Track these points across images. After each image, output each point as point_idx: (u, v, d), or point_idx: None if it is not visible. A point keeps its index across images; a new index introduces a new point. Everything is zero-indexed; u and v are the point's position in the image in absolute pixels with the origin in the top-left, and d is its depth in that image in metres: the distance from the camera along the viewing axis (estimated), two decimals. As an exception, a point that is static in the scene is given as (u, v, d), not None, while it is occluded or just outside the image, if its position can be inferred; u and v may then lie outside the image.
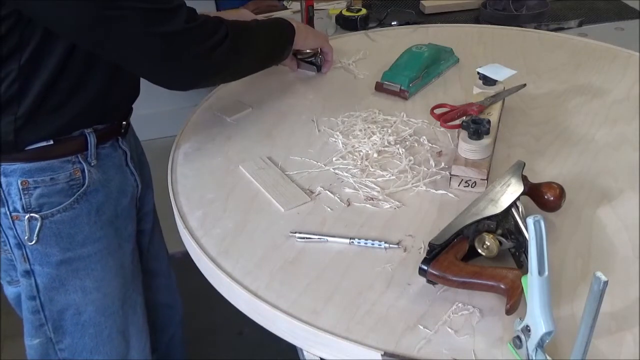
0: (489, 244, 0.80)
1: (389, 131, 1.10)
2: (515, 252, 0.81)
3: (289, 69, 1.31)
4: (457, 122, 1.02)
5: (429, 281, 0.78)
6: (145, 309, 1.23)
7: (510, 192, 0.85)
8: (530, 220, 0.64)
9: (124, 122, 1.09)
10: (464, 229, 0.80)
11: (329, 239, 0.88)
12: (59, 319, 1.09)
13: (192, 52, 0.93)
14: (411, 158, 1.03)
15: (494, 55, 1.35)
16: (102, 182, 1.04)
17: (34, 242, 1.00)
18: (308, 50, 1.29)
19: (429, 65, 1.26)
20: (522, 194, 0.86)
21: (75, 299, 1.08)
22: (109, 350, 1.15)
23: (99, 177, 1.03)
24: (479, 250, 0.81)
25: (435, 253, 0.78)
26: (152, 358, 1.45)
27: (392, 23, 1.77)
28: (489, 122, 0.97)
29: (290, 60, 1.28)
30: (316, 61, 1.30)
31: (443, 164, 1.02)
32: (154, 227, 1.29)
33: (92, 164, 1.02)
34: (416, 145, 1.07)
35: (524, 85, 1.15)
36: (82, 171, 1.01)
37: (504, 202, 0.83)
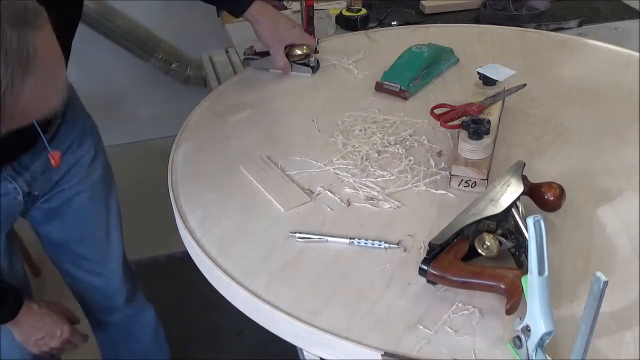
0: (489, 244, 0.80)
1: (389, 131, 1.10)
2: (515, 252, 0.81)
3: (282, 72, 1.30)
4: (457, 122, 1.02)
5: (429, 281, 0.78)
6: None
7: (510, 192, 0.85)
8: (530, 220, 0.64)
9: None
10: (464, 229, 0.80)
11: (329, 239, 0.88)
12: None
13: None
14: (411, 158, 1.03)
15: (494, 55, 1.35)
16: None
17: None
18: (299, 52, 1.29)
19: (429, 65, 1.26)
20: (522, 194, 0.86)
21: None
22: None
23: None
24: (479, 250, 0.81)
25: (435, 253, 0.78)
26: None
27: (392, 23, 1.77)
28: (489, 122, 0.97)
29: (284, 65, 1.27)
30: (309, 62, 1.30)
31: (443, 164, 1.02)
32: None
33: None
34: (416, 145, 1.07)
35: (524, 85, 1.15)
36: None
37: (504, 202, 0.83)
